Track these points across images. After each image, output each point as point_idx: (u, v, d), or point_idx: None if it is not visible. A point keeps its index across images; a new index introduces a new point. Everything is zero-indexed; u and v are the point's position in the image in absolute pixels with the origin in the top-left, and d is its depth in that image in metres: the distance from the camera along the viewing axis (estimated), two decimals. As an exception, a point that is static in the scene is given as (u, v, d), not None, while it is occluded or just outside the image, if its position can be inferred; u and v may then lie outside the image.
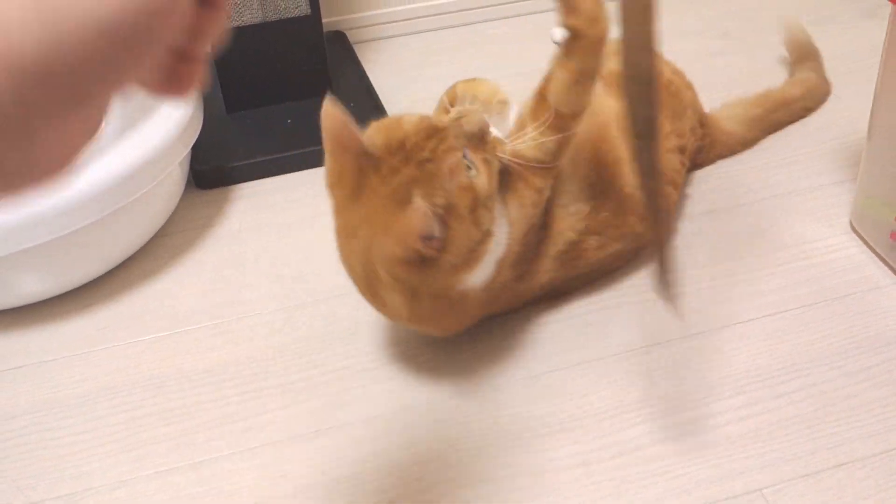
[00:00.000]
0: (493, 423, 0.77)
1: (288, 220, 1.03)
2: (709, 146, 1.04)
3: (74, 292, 0.93)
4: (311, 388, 0.81)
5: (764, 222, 0.98)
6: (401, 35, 1.41)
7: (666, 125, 0.93)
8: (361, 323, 0.88)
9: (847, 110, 1.14)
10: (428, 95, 1.26)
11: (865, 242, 0.94)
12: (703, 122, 1.03)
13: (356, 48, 1.36)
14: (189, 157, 1.06)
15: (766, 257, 0.94)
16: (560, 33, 0.74)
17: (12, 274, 0.88)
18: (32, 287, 0.91)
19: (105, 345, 0.87)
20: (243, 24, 1.13)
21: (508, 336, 0.86)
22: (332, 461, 0.74)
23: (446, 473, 0.73)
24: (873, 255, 0.93)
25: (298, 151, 1.11)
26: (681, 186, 0.97)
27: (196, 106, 1.01)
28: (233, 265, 0.97)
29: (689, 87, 1.03)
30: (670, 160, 0.93)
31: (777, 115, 1.11)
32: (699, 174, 1.05)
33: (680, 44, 1.36)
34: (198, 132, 1.02)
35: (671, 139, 0.93)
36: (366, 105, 1.20)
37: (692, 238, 0.96)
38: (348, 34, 1.38)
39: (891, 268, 0.90)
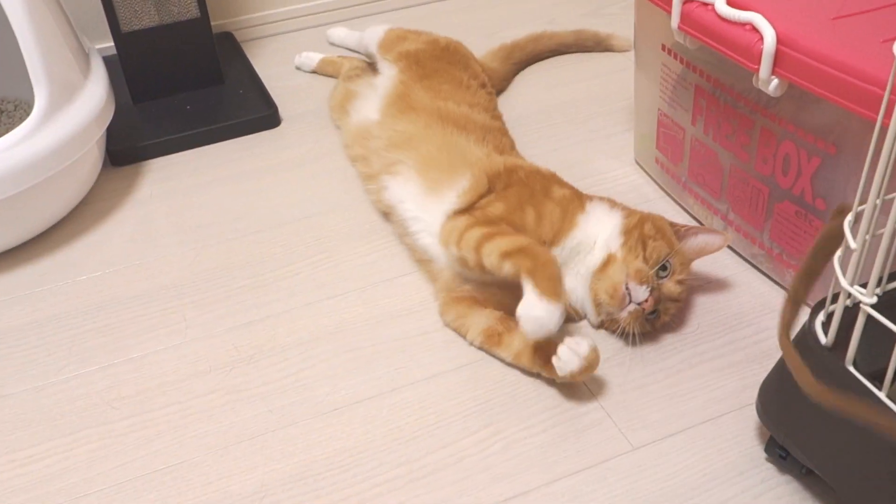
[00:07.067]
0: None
1: (191, 185, 1.26)
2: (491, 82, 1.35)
3: (13, 250, 1.14)
4: (217, 301, 1.04)
5: (573, 160, 1.27)
6: (280, 33, 1.66)
7: (462, 75, 1.22)
8: (255, 255, 1.11)
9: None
10: (303, 82, 1.51)
11: (643, 170, 1.23)
12: (481, 64, 1.34)
13: (243, 46, 1.59)
14: (104, 139, 1.27)
15: (574, 185, 1.21)
16: None
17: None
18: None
19: (47, 286, 1.08)
20: (143, 27, 1.35)
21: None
22: (237, 348, 0.98)
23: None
24: (649, 178, 1.22)
25: (198, 130, 1.34)
26: (495, 112, 1.24)
27: (108, 94, 1.22)
28: (148, 221, 1.19)
29: (461, 43, 1.33)
30: (479, 95, 1.21)
31: (516, 54, 1.46)
32: (531, 127, 1.33)
33: (510, 32, 1.64)
34: (111, 116, 1.23)
35: (472, 82, 1.22)
36: (252, 91, 1.44)
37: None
38: (236, 34, 1.61)
39: (659, 186, 1.20)
